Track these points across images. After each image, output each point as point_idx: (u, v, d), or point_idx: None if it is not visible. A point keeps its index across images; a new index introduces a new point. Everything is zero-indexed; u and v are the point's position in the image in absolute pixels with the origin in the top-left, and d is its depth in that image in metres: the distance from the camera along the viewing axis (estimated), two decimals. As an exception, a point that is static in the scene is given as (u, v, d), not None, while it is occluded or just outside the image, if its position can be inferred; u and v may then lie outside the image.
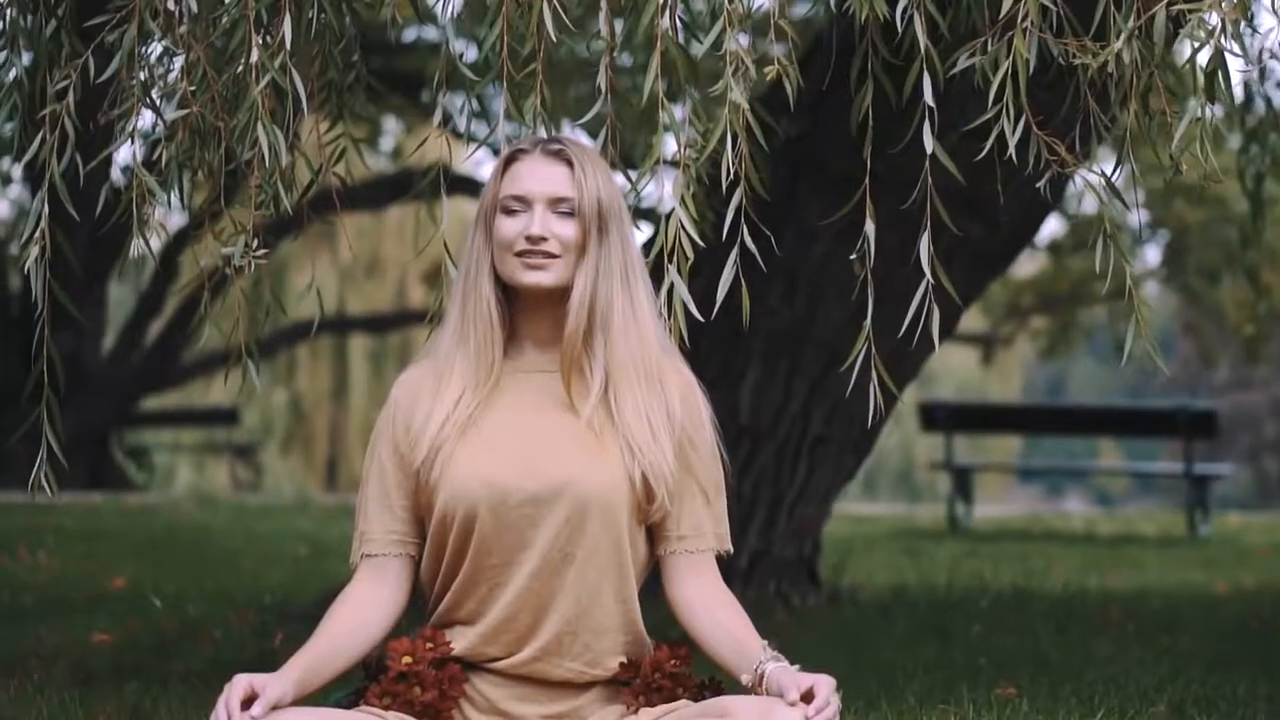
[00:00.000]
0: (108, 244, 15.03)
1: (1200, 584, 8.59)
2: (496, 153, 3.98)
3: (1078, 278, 19.32)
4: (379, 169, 17.02)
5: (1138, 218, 3.63)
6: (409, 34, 16.07)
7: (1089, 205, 15.63)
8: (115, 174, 4.03)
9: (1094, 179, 3.45)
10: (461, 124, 3.63)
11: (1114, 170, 3.42)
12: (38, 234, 3.66)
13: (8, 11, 3.98)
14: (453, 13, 3.63)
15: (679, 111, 3.50)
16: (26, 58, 3.99)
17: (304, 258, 20.61)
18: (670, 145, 3.45)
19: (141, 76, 3.69)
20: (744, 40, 3.34)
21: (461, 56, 3.55)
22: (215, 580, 8.16)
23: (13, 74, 3.96)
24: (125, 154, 3.77)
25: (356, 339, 25.91)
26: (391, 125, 17.00)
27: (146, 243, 3.56)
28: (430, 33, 16.43)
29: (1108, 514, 15.71)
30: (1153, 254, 20.69)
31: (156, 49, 3.71)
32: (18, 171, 14.94)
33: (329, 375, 26.95)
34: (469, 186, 17.13)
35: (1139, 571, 9.58)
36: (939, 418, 13.27)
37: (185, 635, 5.57)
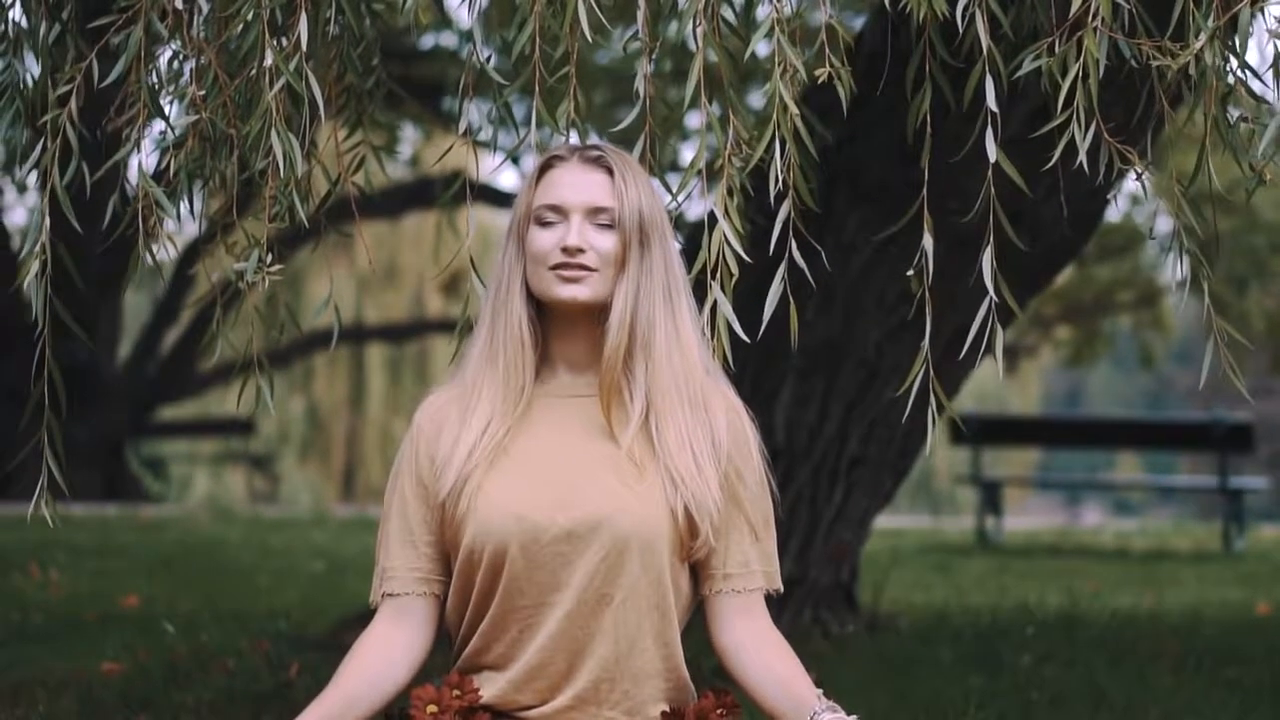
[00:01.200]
0: (121, 251, 14.84)
1: (1241, 603, 8.37)
2: (516, 161, 3.78)
3: (1103, 286, 19.09)
4: (396, 177, 16.85)
5: (1214, 226, 3.40)
6: (426, 40, 15.92)
7: (1111, 213, 15.36)
8: (127, 181, 3.82)
9: (1132, 186, 3.24)
10: (487, 132, 3.38)
11: (1192, 179, 3.19)
12: (38, 248, 3.43)
13: (9, 13, 3.77)
14: (479, 10, 3.39)
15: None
16: (31, 62, 3.78)
17: (320, 266, 20.43)
18: (685, 153, 3.22)
19: (150, 81, 3.47)
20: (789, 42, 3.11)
21: (490, 59, 3.31)
22: (229, 599, 7.99)
23: (15, 79, 3.75)
24: (137, 162, 3.56)
25: (374, 346, 25.76)
26: (408, 133, 16.83)
27: (153, 257, 3.33)
28: (449, 39, 16.28)
29: (1140, 528, 15.45)
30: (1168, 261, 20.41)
31: (165, 52, 3.48)
32: (33, 179, 14.77)
33: (346, 384, 26.81)
34: (490, 195, 16.97)
35: (1177, 589, 9.36)
36: (968, 430, 13.01)
37: (197, 664, 5.36)
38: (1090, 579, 9.67)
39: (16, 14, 3.78)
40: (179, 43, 3.36)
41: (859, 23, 6.67)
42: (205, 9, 3.57)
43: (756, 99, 5.54)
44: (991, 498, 12.78)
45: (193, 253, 15.22)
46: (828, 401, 5.71)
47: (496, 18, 3.95)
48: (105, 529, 12.42)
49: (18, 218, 18.53)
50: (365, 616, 3.00)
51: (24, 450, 3.69)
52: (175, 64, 3.58)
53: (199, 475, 26.32)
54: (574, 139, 3.24)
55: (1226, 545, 12.40)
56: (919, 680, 4.92)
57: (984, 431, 13.11)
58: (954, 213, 3.84)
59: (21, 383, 3.52)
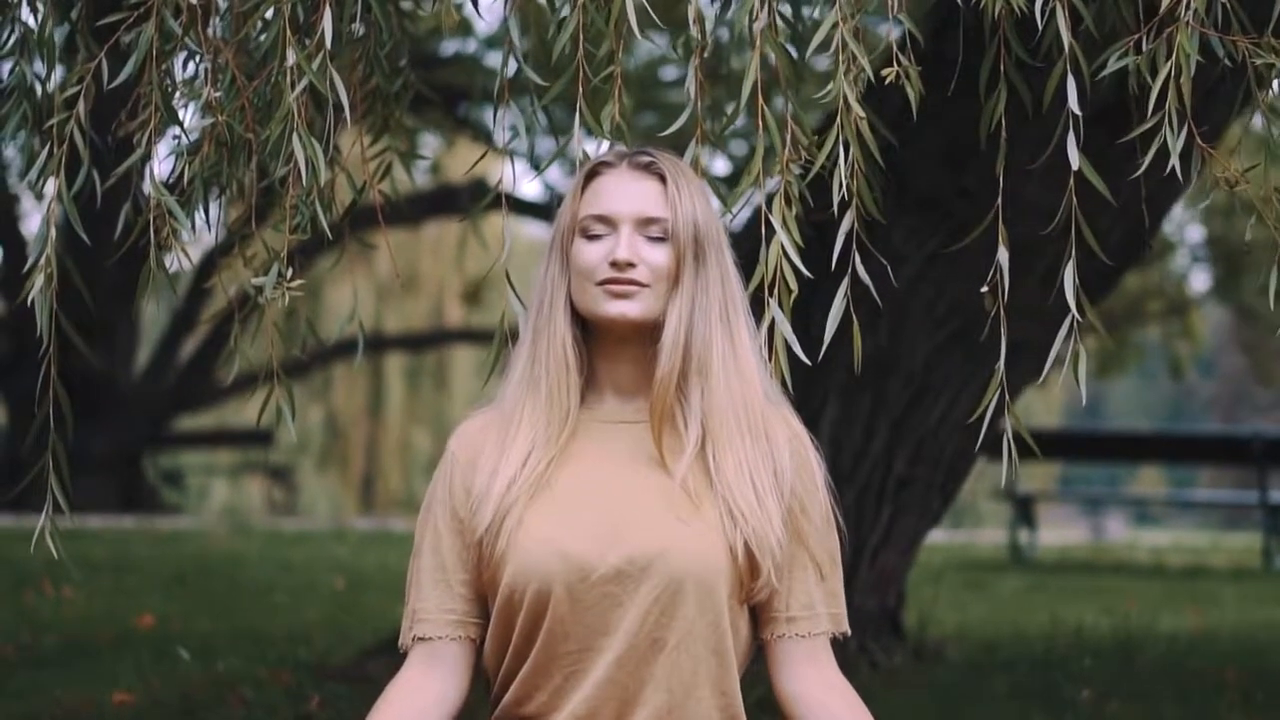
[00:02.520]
0: (137, 259, 14.66)
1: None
2: (538, 169, 3.54)
3: (1133, 296, 18.82)
4: (416, 184, 16.65)
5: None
6: (447, 47, 15.76)
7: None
8: (140, 191, 3.60)
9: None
10: (521, 140, 3.13)
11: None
12: (43, 260, 3.20)
13: (17, 11, 3.54)
14: (513, 8, 3.14)
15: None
16: (40, 64, 3.55)
17: (339, 275, 20.22)
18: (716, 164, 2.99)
19: (163, 83, 3.24)
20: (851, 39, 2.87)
21: (528, 58, 3.07)
22: (247, 618, 7.79)
23: (23, 81, 3.53)
24: (149, 169, 3.33)
25: (392, 355, 25.61)
26: (428, 139, 16.65)
27: (166, 272, 3.10)
28: (470, 46, 16.10)
29: (1175, 542, 15.21)
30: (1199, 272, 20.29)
31: (179, 51, 3.25)
32: (50, 187, 14.58)
33: (364, 393, 26.68)
34: (515, 204, 16.76)
35: (1218, 609, 9.12)
36: (1044, 452, 12.69)
37: (214, 694, 5.13)
38: (1129, 596, 9.45)
39: (24, 13, 3.56)
40: (194, 40, 3.12)
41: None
42: (223, 5, 3.35)
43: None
44: (1024, 512, 12.54)
45: (209, 264, 15.05)
46: (873, 420, 5.47)
47: (526, 19, 3.71)
48: (121, 542, 12.25)
49: (35, 226, 18.36)
50: (390, 645, 2.77)
51: (34, 470, 3.46)
52: (190, 64, 3.35)
53: (217, 485, 26.20)
54: (605, 145, 3.00)
55: (1267, 562, 12.15)
56: (974, 717, 4.67)
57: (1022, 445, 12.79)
58: (1007, 222, 3.70)
59: (33, 395, 3.29)
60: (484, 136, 16.10)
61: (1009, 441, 2.94)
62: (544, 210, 17.31)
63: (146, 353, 20.34)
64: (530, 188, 24.07)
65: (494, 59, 16.21)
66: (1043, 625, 7.05)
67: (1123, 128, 3.02)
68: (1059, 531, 19.39)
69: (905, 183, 5.32)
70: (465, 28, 14.65)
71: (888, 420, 5.47)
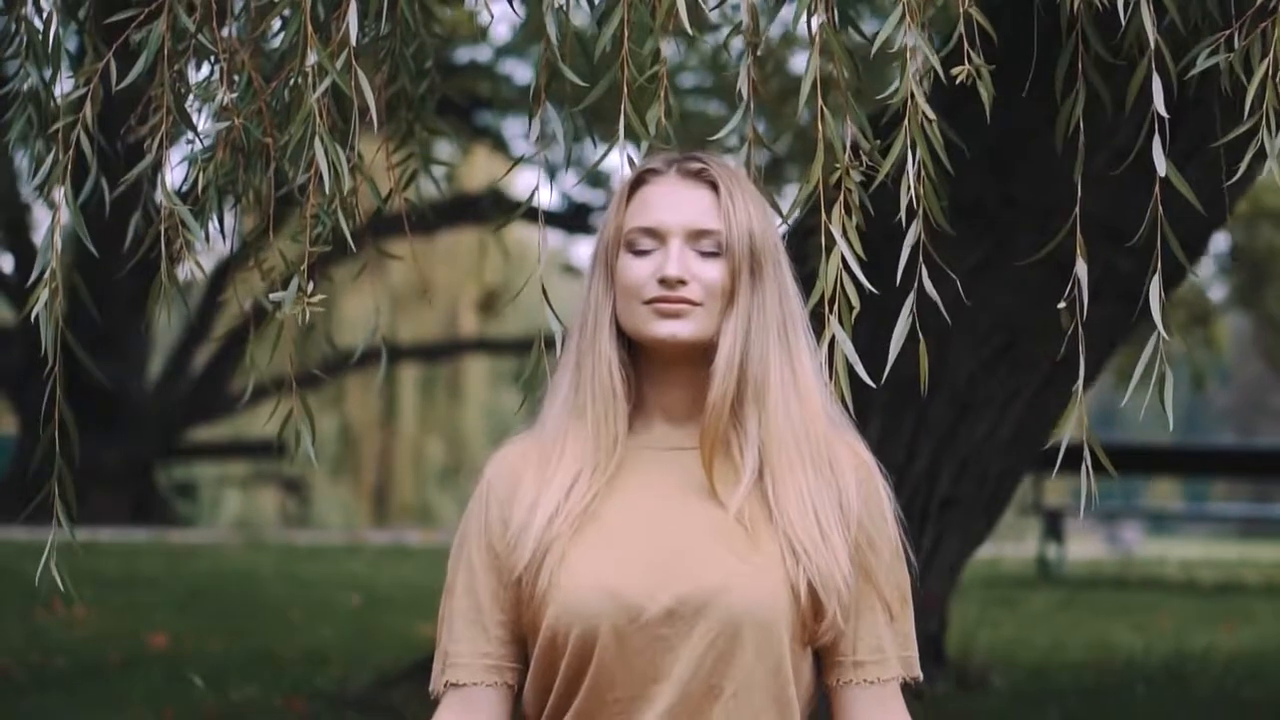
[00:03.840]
0: (150, 267, 14.52)
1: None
2: (553, 178, 3.35)
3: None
4: (429, 192, 16.50)
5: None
6: (461, 55, 15.62)
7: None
8: (151, 201, 3.40)
9: None
10: (559, 143, 2.91)
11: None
12: (48, 274, 2.99)
13: (22, 9, 3.33)
14: (550, 5, 2.91)
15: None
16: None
17: (354, 283, 19.99)
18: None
19: (177, 85, 3.04)
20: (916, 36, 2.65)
21: (566, 55, 2.85)
22: (262, 639, 7.62)
23: (27, 84, 3.33)
24: (160, 176, 3.13)
25: (406, 364, 25.48)
26: (443, 147, 16.51)
27: (177, 284, 2.89)
28: (484, 53, 15.95)
29: (1205, 556, 14.99)
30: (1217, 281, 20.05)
31: (192, 50, 3.04)
32: (58, 195, 14.43)
33: (377, 401, 26.58)
34: (528, 213, 16.55)
35: (1255, 627, 8.92)
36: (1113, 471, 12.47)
37: (227, 725, 4.93)
38: (1161, 613, 9.25)
39: (29, 11, 3.35)
40: (207, 38, 2.90)
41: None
42: (239, 3, 3.15)
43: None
44: (1054, 526, 12.33)
45: (224, 273, 14.86)
46: (916, 438, 5.25)
47: (536, 28, 3.51)
48: (133, 557, 12.09)
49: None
50: (411, 673, 2.54)
51: (41, 492, 3.27)
52: (204, 65, 3.14)
53: (230, 496, 26.08)
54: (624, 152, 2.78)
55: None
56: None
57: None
58: (1053, 232, 3.51)
59: (47, 413, 3.08)
60: (501, 145, 15.93)
61: (1088, 461, 2.72)
62: (564, 220, 17.12)
63: (159, 362, 20.20)
64: (549, 196, 23.88)
65: (509, 67, 16.05)
66: (1083, 647, 6.83)
67: (1176, 128, 2.82)
68: (1077, 542, 19.19)
69: (952, 186, 5.11)
70: (480, 34, 14.49)
71: (931, 439, 5.25)
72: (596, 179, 15.29)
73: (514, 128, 16.25)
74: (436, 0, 3.60)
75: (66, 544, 3.11)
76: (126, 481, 18.73)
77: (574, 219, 17.41)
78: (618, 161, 2.75)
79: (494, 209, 15.23)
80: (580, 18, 2.97)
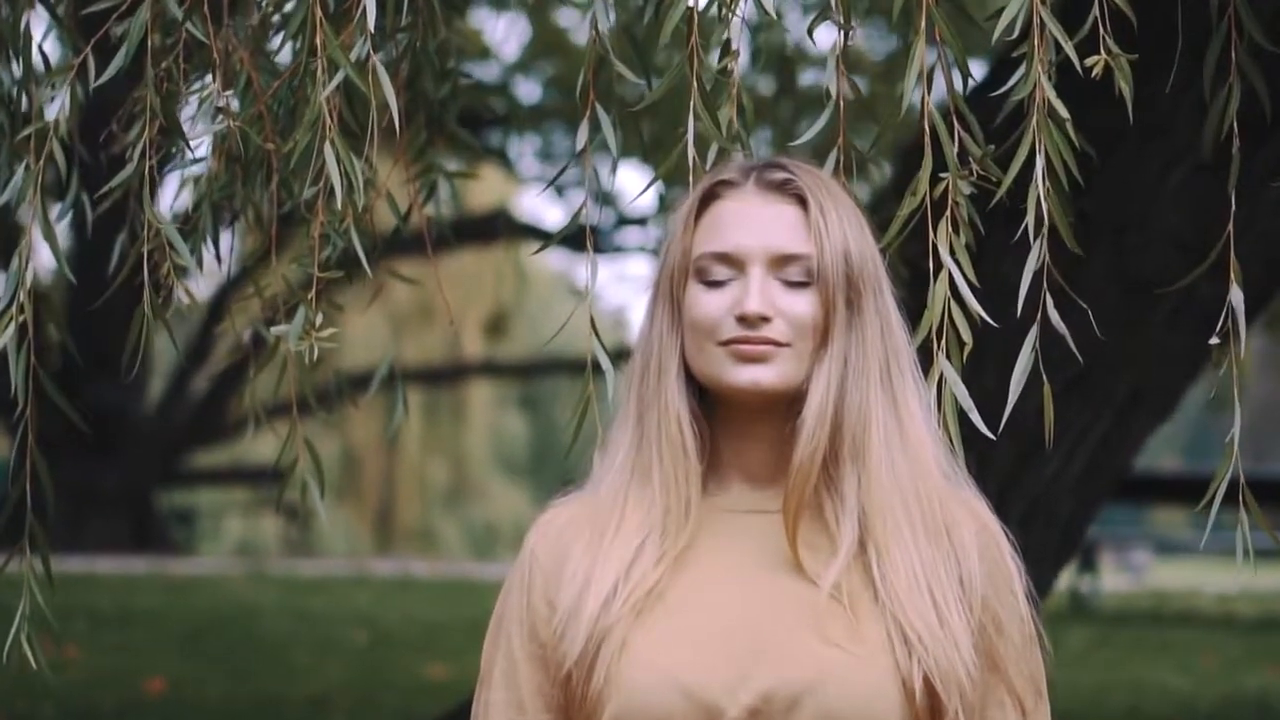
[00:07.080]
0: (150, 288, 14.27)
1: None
2: (561, 193, 2.94)
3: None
4: (447, 210, 16.20)
5: None
6: (469, 71, 15.29)
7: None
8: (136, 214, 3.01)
9: None
10: (611, 148, 2.49)
11: None
12: (14, 306, 2.57)
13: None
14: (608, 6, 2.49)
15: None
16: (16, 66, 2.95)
17: (359, 305, 19.69)
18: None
19: (164, 85, 2.63)
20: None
21: (555, 82, 2.44)
22: (265, 682, 7.26)
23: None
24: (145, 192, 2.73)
25: (409, 387, 25.20)
26: (449, 164, 16.19)
27: (164, 318, 2.48)
28: (492, 70, 15.62)
29: (1242, 589, 14.63)
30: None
31: (181, 45, 2.63)
32: (27, 212, 14.20)
33: (380, 425, 26.32)
34: (535, 232, 16.17)
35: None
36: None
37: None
38: (1206, 652, 8.85)
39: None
40: (199, 29, 2.49)
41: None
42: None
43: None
44: (1087, 558, 11.98)
45: (223, 295, 14.47)
46: (981, 478, 4.80)
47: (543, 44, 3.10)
48: (130, 589, 11.72)
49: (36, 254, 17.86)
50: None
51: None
52: (196, 62, 2.74)
53: (230, 522, 25.79)
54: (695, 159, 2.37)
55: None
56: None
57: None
58: (1131, 249, 3.18)
59: (50, 427, 2.70)
60: (508, 165, 15.56)
61: (1243, 534, 2.31)
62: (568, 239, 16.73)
63: (159, 385, 19.87)
64: (542, 214, 23.58)
65: (516, 85, 15.68)
66: (1128, 688, 6.43)
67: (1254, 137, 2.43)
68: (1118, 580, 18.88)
69: (1012, 202, 4.70)
70: (486, 52, 14.16)
71: (996, 479, 4.82)
72: (605, 197, 14.95)
73: (519, 147, 15.92)
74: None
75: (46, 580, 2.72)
76: (125, 506, 18.40)
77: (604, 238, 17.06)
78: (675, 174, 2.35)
79: (505, 229, 14.89)
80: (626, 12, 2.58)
